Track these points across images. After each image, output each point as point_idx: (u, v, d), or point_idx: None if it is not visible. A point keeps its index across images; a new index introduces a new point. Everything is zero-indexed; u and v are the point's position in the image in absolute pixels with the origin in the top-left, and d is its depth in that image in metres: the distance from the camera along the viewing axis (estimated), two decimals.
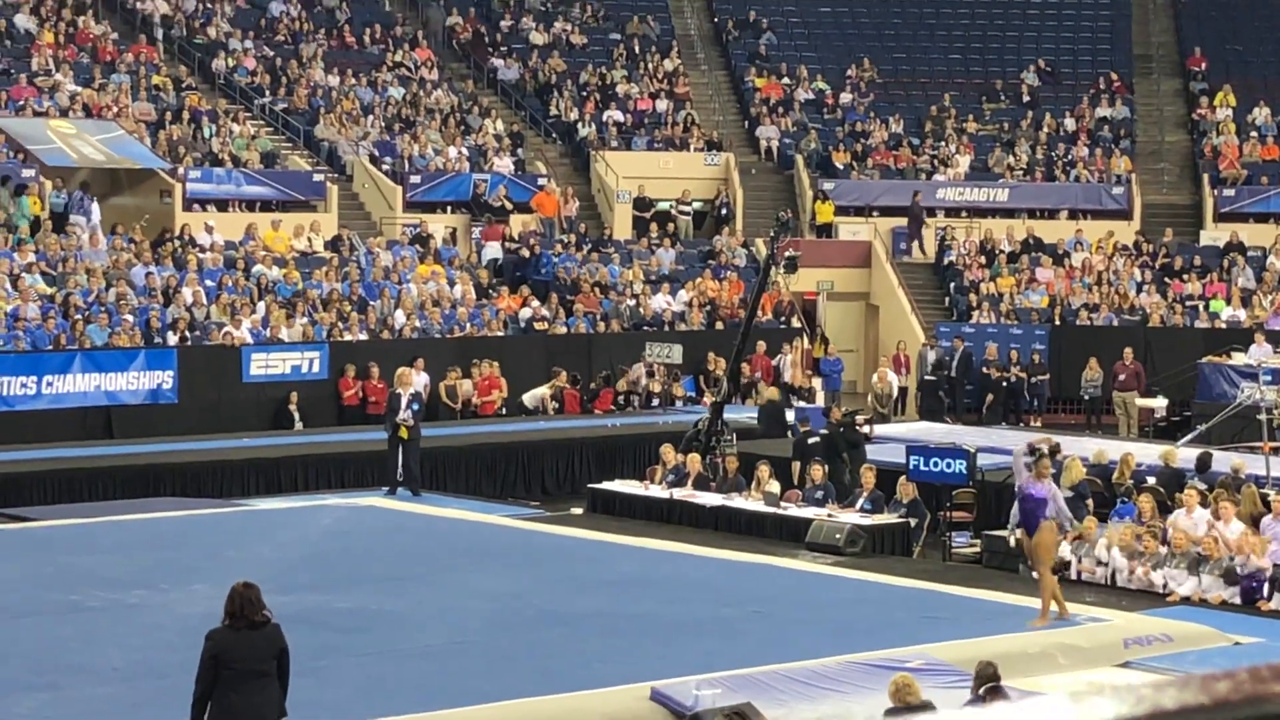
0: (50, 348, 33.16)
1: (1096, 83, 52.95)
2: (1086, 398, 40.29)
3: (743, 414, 33.74)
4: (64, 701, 15.43)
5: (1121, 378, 39.06)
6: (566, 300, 40.15)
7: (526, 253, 41.50)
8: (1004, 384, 40.18)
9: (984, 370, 40.29)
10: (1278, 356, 37.45)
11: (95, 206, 38.59)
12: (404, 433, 27.86)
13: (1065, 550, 22.51)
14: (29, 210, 38.20)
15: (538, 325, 38.98)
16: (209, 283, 36.78)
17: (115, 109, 41.74)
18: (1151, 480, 25.62)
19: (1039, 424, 38.81)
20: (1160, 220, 47.85)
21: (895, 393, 39.74)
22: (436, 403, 35.03)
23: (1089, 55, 55.06)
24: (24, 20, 44.89)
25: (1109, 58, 54.70)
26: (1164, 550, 21.90)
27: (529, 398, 36.39)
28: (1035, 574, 19.83)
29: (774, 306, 42.16)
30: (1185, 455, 27.10)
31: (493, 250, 42.05)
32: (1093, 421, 39.76)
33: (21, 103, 40.99)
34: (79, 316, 34.01)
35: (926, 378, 40.29)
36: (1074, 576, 22.21)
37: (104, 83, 42.92)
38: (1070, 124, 51.23)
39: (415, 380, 30.23)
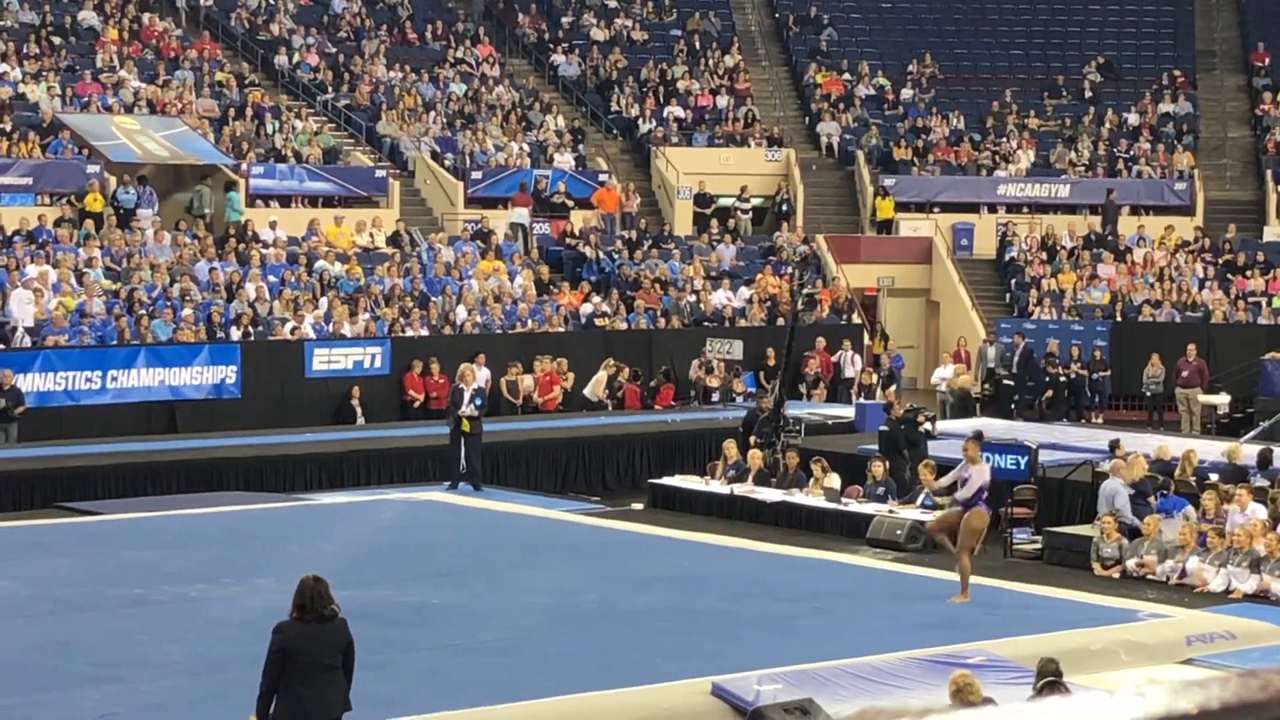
0: (115, 343, 33.38)
1: (1159, 78, 52.72)
2: (1148, 394, 40.11)
3: (810, 409, 33.72)
4: (129, 694, 15.53)
5: (1184, 374, 38.87)
6: (627, 296, 40.20)
7: (588, 249, 41.57)
8: (1064, 380, 40.02)
9: (1044, 366, 40.11)
10: None
11: (156, 200, 38.91)
12: (466, 426, 27.91)
13: (1124, 547, 22.46)
14: (239, 205, 38.78)
15: (598, 321, 39.05)
16: (272, 278, 36.96)
17: (179, 105, 41.99)
18: (1214, 477, 25.49)
19: (1100, 420, 38.68)
20: (1223, 216, 47.63)
21: (975, 387, 39.61)
22: (498, 398, 35.12)
23: (1151, 51, 54.81)
24: (89, 17, 45.18)
25: (1172, 53, 54.46)
26: (1226, 547, 21.81)
27: (588, 390, 36.55)
28: (953, 550, 20.10)
29: (833, 303, 42.15)
30: (1248, 452, 26.99)
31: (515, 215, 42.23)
32: (1155, 418, 39.60)
33: (86, 99, 41.27)
34: (143, 312, 34.23)
35: (998, 374, 39.97)
36: (1136, 573, 22.15)
37: (168, 79, 43.18)
38: (1133, 120, 51.02)
39: (477, 376, 30.32)
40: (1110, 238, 45.72)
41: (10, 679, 16.02)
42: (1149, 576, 22.10)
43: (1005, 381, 39.71)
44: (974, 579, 20.92)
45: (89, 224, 37.14)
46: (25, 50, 42.75)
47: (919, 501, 24.81)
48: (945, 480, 21.61)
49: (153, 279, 35.49)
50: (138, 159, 39.39)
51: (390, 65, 47.45)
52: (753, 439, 28.39)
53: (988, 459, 25.09)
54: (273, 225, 39.25)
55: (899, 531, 23.58)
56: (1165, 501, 24.04)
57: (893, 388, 37.65)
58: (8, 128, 39.18)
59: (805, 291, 32.24)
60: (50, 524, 24.75)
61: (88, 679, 15.99)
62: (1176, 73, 52.79)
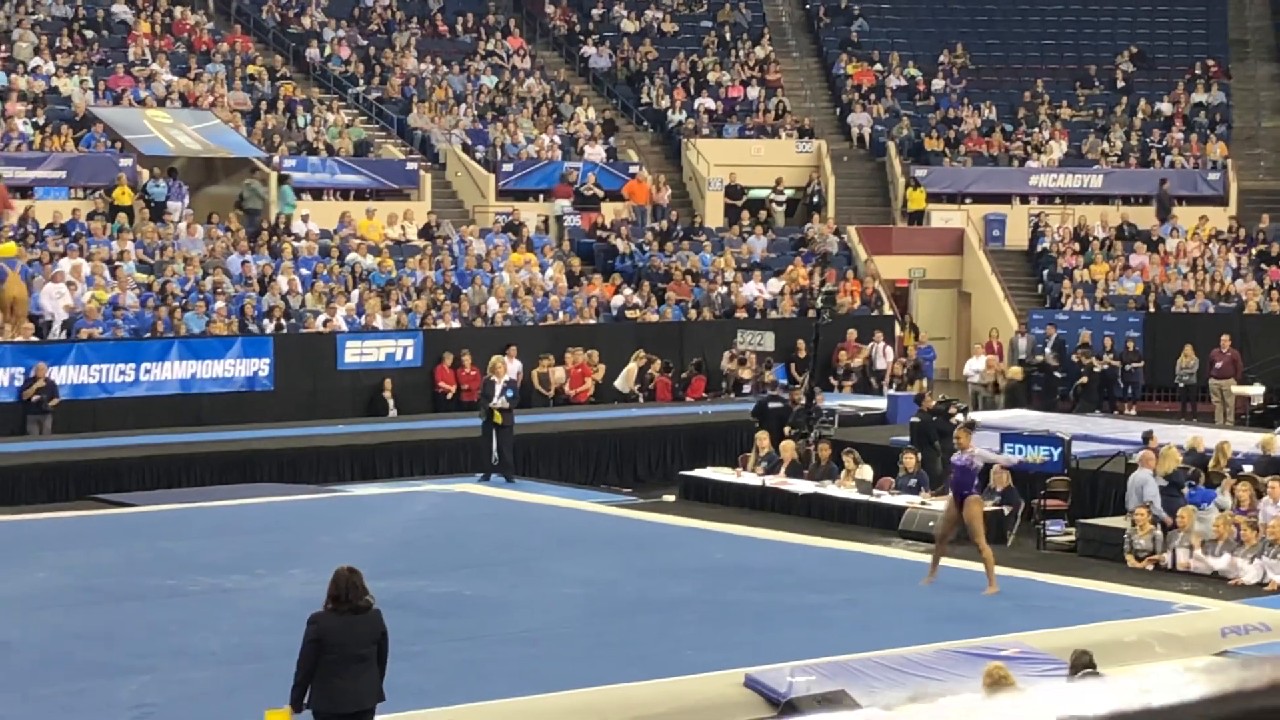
0: (148, 336, 33.50)
1: (1192, 68, 52.56)
2: (1181, 385, 40.00)
3: (842, 401, 33.71)
4: (164, 684, 15.60)
5: (1218, 365, 38.77)
6: (658, 288, 40.21)
7: (619, 241, 41.60)
8: (1097, 372, 39.91)
9: (1076, 358, 39.99)
10: None
11: (185, 192, 39.05)
12: (498, 417, 27.96)
13: (1157, 539, 22.44)
14: (291, 199, 39.08)
15: (629, 313, 39.07)
16: (304, 271, 37.04)
17: (211, 98, 42.09)
18: (1249, 469, 25.43)
19: (1133, 412, 38.60)
20: (1257, 206, 47.46)
21: (1007, 378, 39.54)
22: (529, 390, 35.16)
23: (1184, 40, 54.64)
24: (121, 11, 45.31)
25: (1205, 43, 54.28)
26: (1261, 539, 21.77)
27: (619, 381, 36.61)
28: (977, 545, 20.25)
29: (862, 295, 42.17)
30: None
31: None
32: (1188, 409, 39.50)
33: (119, 92, 41.38)
34: (176, 305, 34.34)
35: (1033, 362, 39.85)
36: (1170, 565, 22.13)
37: (200, 72, 43.28)
38: (1165, 109, 50.88)
39: (509, 368, 30.38)
40: (1163, 227, 45.55)
41: (49, 669, 16.12)
42: (1183, 568, 22.06)
43: (1038, 373, 39.64)
44: (1009, 571, 20.95)
45: (121, 217, 37.25)
46: (58, 44, 42.88)
47: None
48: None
49: (185, 272, 35.59)
50: (170, 152, 39.48)
51: (421, 58, 47.51)
52: (787, 430, 28.44)
53: (1020, 451, 25.16)
54: (305, 218, 39.34)
55: (931, 523, 23.56)
56: (1197, 493, 24.01)
57: (921, 380, 37.67)
58: (41, 121, 39.32)
59: (826, 289, 32.43)
60: (86, 516, 24.88)
61: (124, 669, 16.07)
62: (1210, 62, 52.62)
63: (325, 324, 35.21)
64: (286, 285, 36.02)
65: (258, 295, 35.50)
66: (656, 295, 39.90)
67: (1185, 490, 23.89)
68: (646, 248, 41.89)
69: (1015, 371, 39.08)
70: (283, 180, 39.79)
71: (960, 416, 29.23)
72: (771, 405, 30.10)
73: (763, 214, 45.62)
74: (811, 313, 39.29)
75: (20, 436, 30.41)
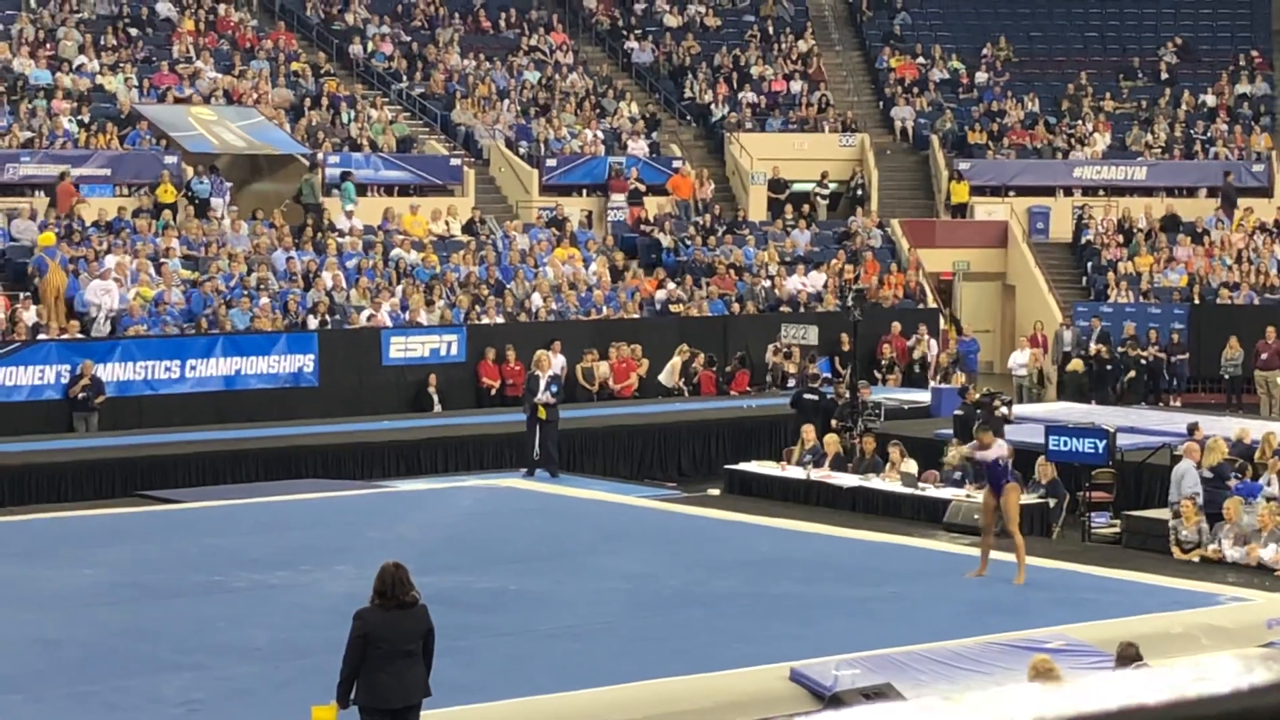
0: (193, 332, 33.61)
1: (1235, 59, 52.33)
2: (1227, 377, 39.86)
3: (887, 394, 33.67)
4: (210, 680, 15.67)
5: (1264, 356, 38.63)
6: (702, 282, 40.20)
7: (662, 236, 41.62)
8: (1143, 363, 39.77)
9: (1121, 350, 39.84)
10: None
11: (229, 189, 39.19)
12: (542, 413, 27.98)
13: (1203, 531, 22.36)
14: (353, 195, 39.44)
15: (673, 308, 39.06)
16: (349, 265, 37.13)
17: (255, 95, 42.21)
18: None
19: (1179, 404, 38.46)
20: None
21: (1049, 372, 39.52)
22: (574, 385, 35.19)
23: (1228, 32, 54.41)
24: (165, 8, 45.46)
25: (1248, 34, 54.04)
26: None
27: (664, 375, 36.63)
28: (1010, 534, 20.27)
29: (906, 288, 42.10)
30: None
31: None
32: (1233, 401, 39.35)
33: (163, 90, 41.53)
34: (221, 301, 34.46)
35: (1090, 355, 39.66)
36: (1216, 557, 22.05)
37: (244, 69, 43.41)
38: (1209, 101, 50.66)
39: (553, 363, 30.40)
40: (1224, 220, 45.36)
41: (96, 665, 16.20)
42: (1229, 559, 21.98)
43: (1089, 365, 39.54)
44: (1054, 563, 20.94)
45: (166, 214, 37.40)
46: (103, 42, 43.05)
47: None
48: (966, 449, 21.94)
49: (230, 268, 35.71)
50: (214, 149, 39.62)
51: (464, 54, 47.57)
52: (833, 423, 28.44)
53: (1065, 444, 25.09)
54: (349, 214, 39.43)
55: (976, 515, 23.51)
56: (1244, 486, 23.91)
57: (959, 374, 37.58)
58: (86, 119, 39.48)
59: (855, 287, 32.51)
60: (132, 512, 24.98)
61: (171, 665, 16.15)
62: (1254, 53, 52.40)
63: (370, 319, 35.28)
64: (331, 281, 36.09)
65: (302, 291, 35.59)
66: (700, 289, 39.89)
67: (1231, 483, 23.79)
68: (690, 242, 41.89)
69: (1075, 364, 39.01)
70: (345, 177, 39.98)
71: (1004, 410, 29.23)
72: (806, 397, 30.08)
73: (806, 208, 45.58)
74: (839, 305, 39.45)
75: (67, 434, 30.55)
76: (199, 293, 34.65)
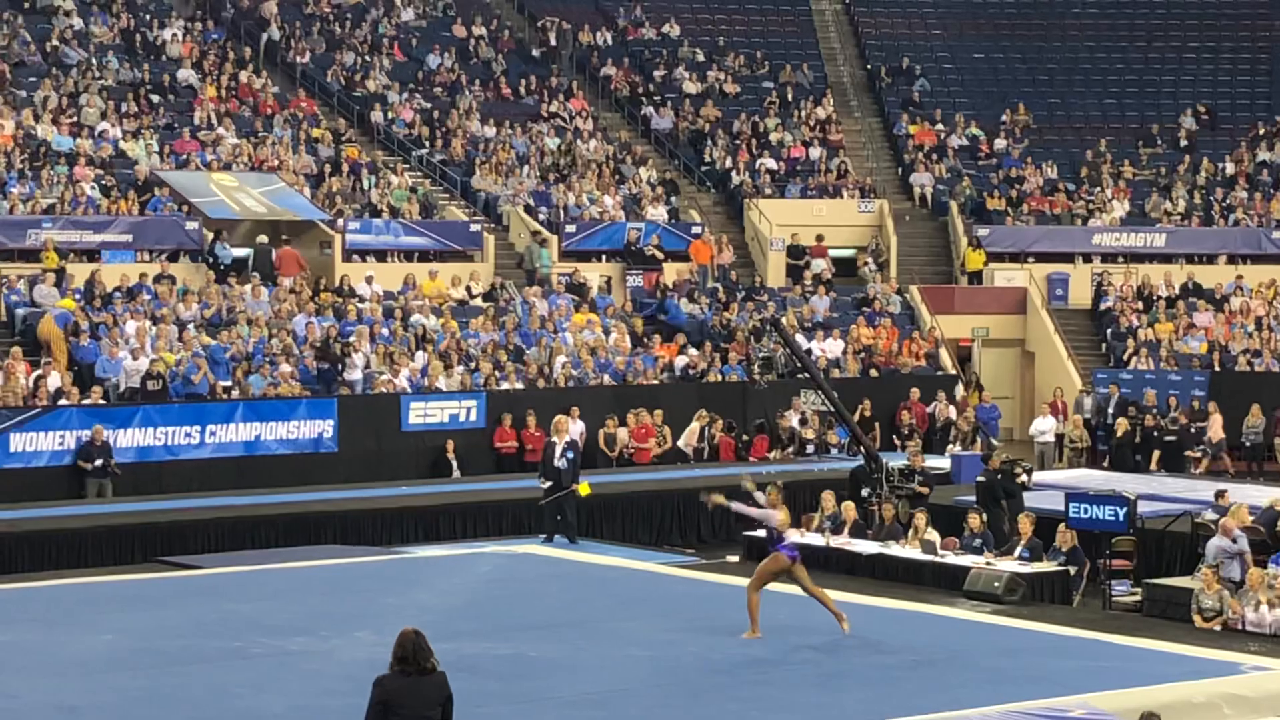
0: (213, 398, 33.68)
1: (1255, 126, 52.42)
2: (1248, 444, 39.78)
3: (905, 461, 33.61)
4: None
5: None
6: (721, 348, 40.23)
7: (682, 301, 41.70)
8: (1164, 431, 39.57)
9: (1141, 418, 39.68)
10: None
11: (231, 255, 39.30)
12: (585, 489, 28.00)
13: (1223, 599, 22.28)
14: (548, 260, 40.39)
15: (692, 373, 39.08)
16: (373, 331, 37.18)
17: (276, 161, 42.38)
18: None
19: (1199, 471, 38.34)
20: None
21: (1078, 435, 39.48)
22: (594, 450, 35.17)
23: (1247, 99, 54.52)
24: (187, 75, 45.69)
25: (1267, 101, 54.13)
26: None
27: (682, 441, 36.64)
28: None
29: (924, 353, 42.13)
30: None
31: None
32: (1254, 468, 39.25)
33: (185, 156, 41.70)
34: (242, 365, 34.54)
35: (1134, 417, 39.54)
36: (1239, 626, 21.96)
37: (265, 136, 43.59)
38: (1229, 168, 50.71)
39: (571, 428, 30.36)
40: (1228, 285, 45.40)
41: None
42: (1251, 629, 21.90)
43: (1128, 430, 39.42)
44: (1075, 631, 20.85)
45: (186, 280, 37.52)
46: (125, 108, 43.25)
47: (1016, 553, 24.68)
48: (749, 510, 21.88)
49: (250, 333, 35.79)
50: (235, 215, 39.76)
51: (484, 120, 47.74)
52: (864, 491, 28.41)
53: (1085, 511, 25.03)
54: (369, 280, 39.53)
55: (996, 583, 23.45)
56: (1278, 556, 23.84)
57: (979, 440, 37.55)
58: (109, 184, 39.64)
59: (762, 355, 32.54)
60: (151, 578, 24.95)
61: None
62: (1276, 120, 52.46)
63: (388, 385, 35.33)
64: (359, 355, 36.11)
65: (329, 366, 35.61)
66: (719, 355, 39.92)
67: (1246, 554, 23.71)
68: (708, 308, 41.95)
69: (1122, 423, 38.89)
70: (542, 243, 42.02)
71: (1025, 477, 29.19)
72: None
73: (824, 273, 45.59)
74: (875, 372, 39.35)
75: (83, 499, 30.60)
76: (220, 356, 34.73)
